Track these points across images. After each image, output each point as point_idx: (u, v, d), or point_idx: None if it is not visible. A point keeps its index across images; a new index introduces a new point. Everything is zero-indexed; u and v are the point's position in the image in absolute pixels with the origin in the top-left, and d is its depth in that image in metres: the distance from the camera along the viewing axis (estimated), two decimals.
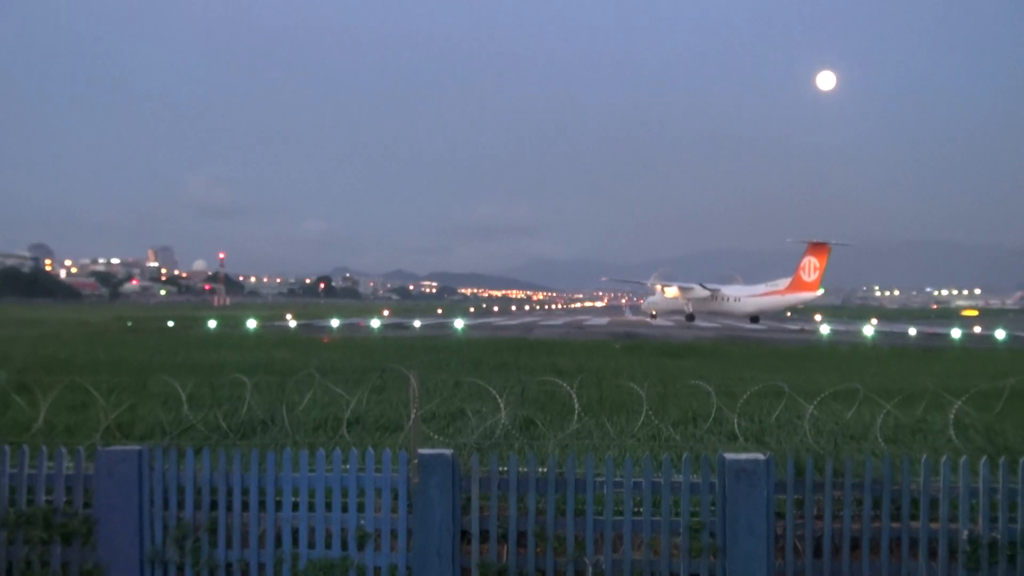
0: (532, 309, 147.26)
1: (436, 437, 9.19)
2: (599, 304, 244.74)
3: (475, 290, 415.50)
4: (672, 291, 69.38)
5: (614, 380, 15.71)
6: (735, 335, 41.07)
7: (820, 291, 61.71)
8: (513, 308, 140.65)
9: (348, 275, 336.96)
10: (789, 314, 79.43)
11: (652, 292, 72.93)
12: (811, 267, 62.44)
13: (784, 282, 64.37)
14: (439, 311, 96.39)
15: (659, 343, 31.23)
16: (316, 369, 14.25)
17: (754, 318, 66.50)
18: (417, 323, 51.64)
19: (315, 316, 68.60)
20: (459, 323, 49.02)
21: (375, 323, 49.37)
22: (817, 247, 62.45)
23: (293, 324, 48.22)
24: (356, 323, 52.72)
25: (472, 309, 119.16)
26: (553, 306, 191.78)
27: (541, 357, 22.68)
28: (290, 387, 12.64)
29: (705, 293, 67.49)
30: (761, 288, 66.84)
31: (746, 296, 66.59)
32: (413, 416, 7.46)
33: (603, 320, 70.28)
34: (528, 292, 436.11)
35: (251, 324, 44.09)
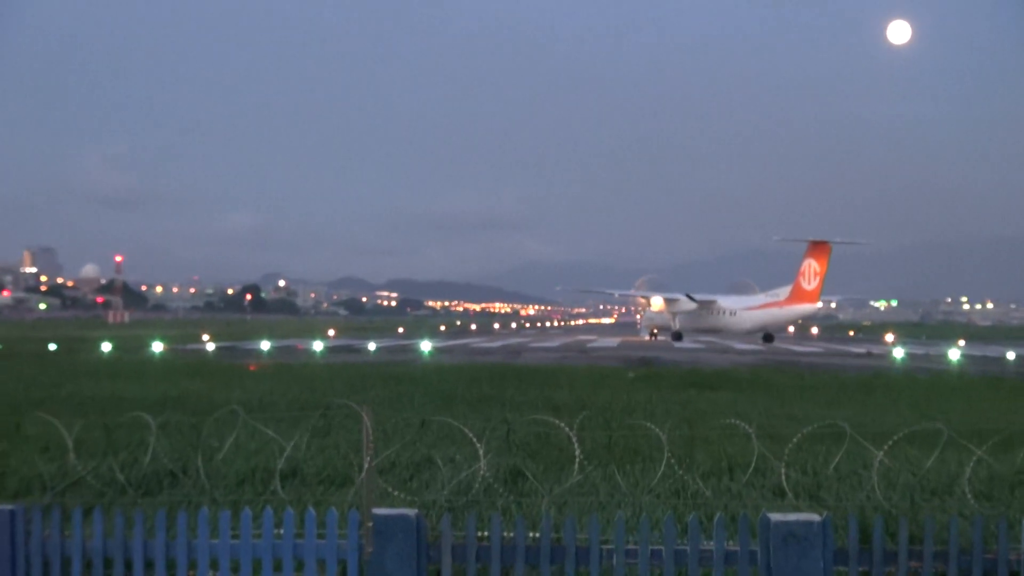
0: (520, 327, 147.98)
1: (396, 493, 9.22)
2: (607, 320, 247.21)
3: (447, 303, 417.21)
4: (658, 303, 73.82)
5: (626, 419, 15.79)
6: (781, 360, 41.57)
7: (819, 303, 65.71)
8: (496, 326, 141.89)
9: (283, 283, 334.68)
10: (793, 329, 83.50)
11: (635, 303, 77.54)
12: (811, 272, 65.59)
13: (785, 291, 67.66)
14: (401, 330, 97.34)
15: (684, 371, 31.36)
16: (241, 405, 14.34)
17: (767, 336, 69.45)
18: (372, 345, 51.95)
19: (240, 337, 69.09)
20: (426, 345, 49.39)
21: (318, 345, 49.71)
22: (817, 247, 64.90)
23: (211, 347, 48.75)
24: (293, 346, 53.20)
25: (443, 327, 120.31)
26: (548, 323, 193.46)
27: (532, 389, 22.75)
28: (207, 429, 12.61)
29: (691, 306, 71.61)
30: (760, 299, 70.26)
31: (743, 309, 70.06)
32: (366, 466, 7.47)
33: (612, 341, 71.53)
34: (515, 305, 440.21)
35: (156, 347, 44.57)
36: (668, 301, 73.23)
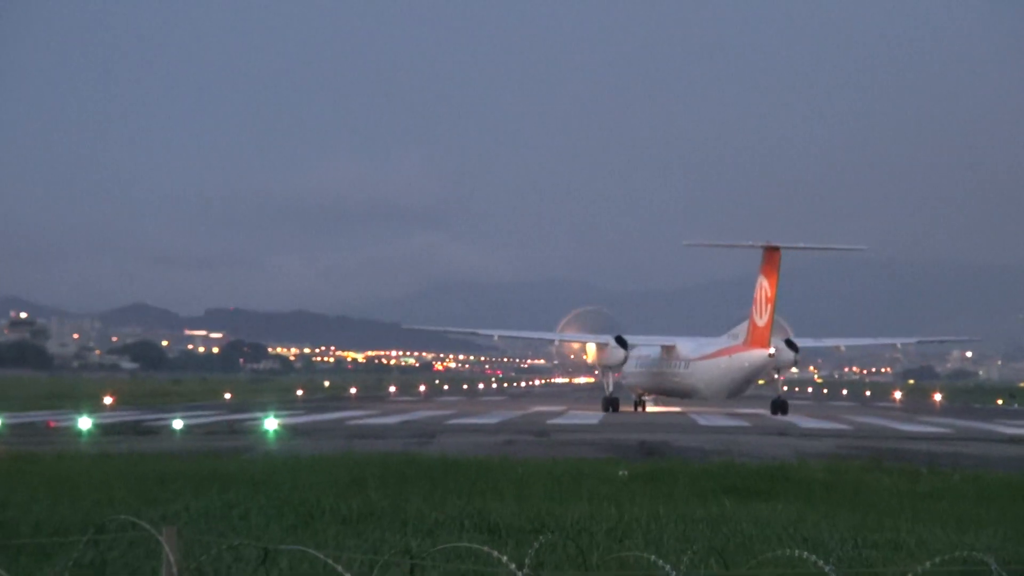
0: (435, 389, 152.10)
1: None
2: (583, 379, 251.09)
3: (308, 349, 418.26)
4: (592, 351, 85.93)
5: (616, 549, 16.24)
6: (879, 448, 42.56)
7: (770, 350, 76.90)
8: (393, 388, 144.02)
9: (25, 315, 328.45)
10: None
11: (563, 352, 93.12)
12: (762, 298, 76.86)
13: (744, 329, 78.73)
14: (228, 395, 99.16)
15: (713, 465, 31.74)
16: None
17: (778, 405, 79.63)
18: (178, 423, 52.51)
19: None
20: (272, 423, 50.18)
21: (84, 423, 50.04)
22: (768, 258, 76.77)
23: None
24: (40, 422, 54.32)
25: (302, 391, 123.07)
26: (484, 384, 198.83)
27: (453, 499, 23.19)
28: None
29: (618, 355, 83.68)
30: (721, 342, 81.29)
31: (697, 359, 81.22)
32: None
33: (588, 414, 75.71)
34: (426, 353, 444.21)
35: None
36: (599, 348, 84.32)
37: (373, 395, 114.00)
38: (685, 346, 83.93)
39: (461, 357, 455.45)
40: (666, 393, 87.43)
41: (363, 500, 22.31)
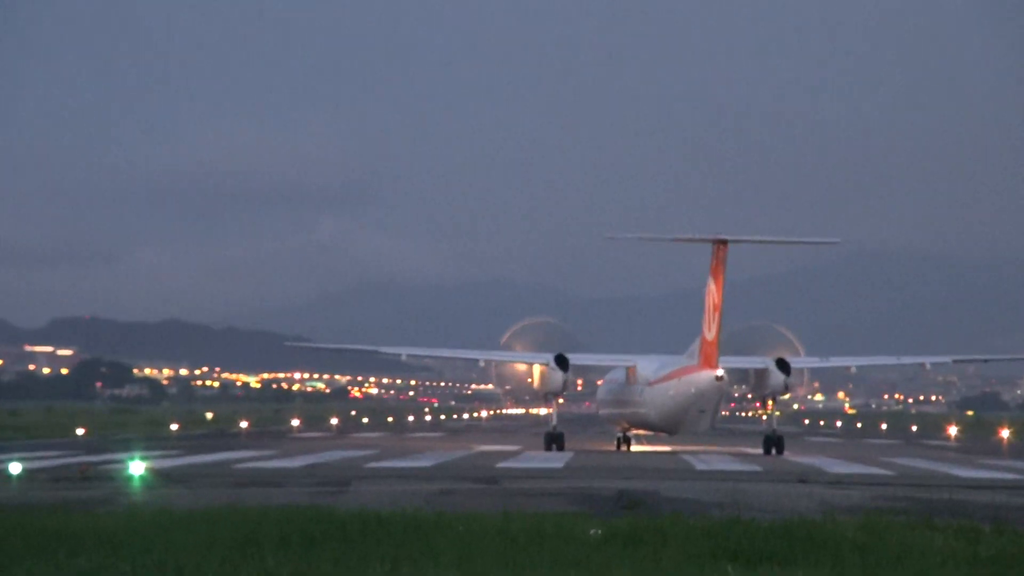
0: (350, 422, 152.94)
1: None
2: (544, 410, 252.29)
3: (184, 370, 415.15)
4: (536, 371, 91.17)
5: None
6: (925, 500, 42.65)
7: (719, 371, 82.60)
8: (295, 421, 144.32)
9: None
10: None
11: (503, 376, 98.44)
12: (710, 307, 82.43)
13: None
14: (81, 431, 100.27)
15: (712, 524, 31.31)
16: None
17: (772, 441, 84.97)
18: (16, 466, 52.00)
19: None
20: (138, 467, 49.87)
21: None
22: (715, 253, 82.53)
23: None
24: None
25: (177, 425, 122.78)
26: (415, 416, 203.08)
27: (374, 564, 23.25)
28: None
29: (557, 378, 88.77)
30: (680, 362, 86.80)
31: (654, 382, 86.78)
32: None
33: (550, 457, 75.71)
34: (340, 376, 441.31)
35: None
36: (539, 370, 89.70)
37: (270, 431, 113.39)
38: (645, 367, 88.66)
39: (386, 381, 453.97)
40: (632, 426, 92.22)
41: (257, 568, 22.16)
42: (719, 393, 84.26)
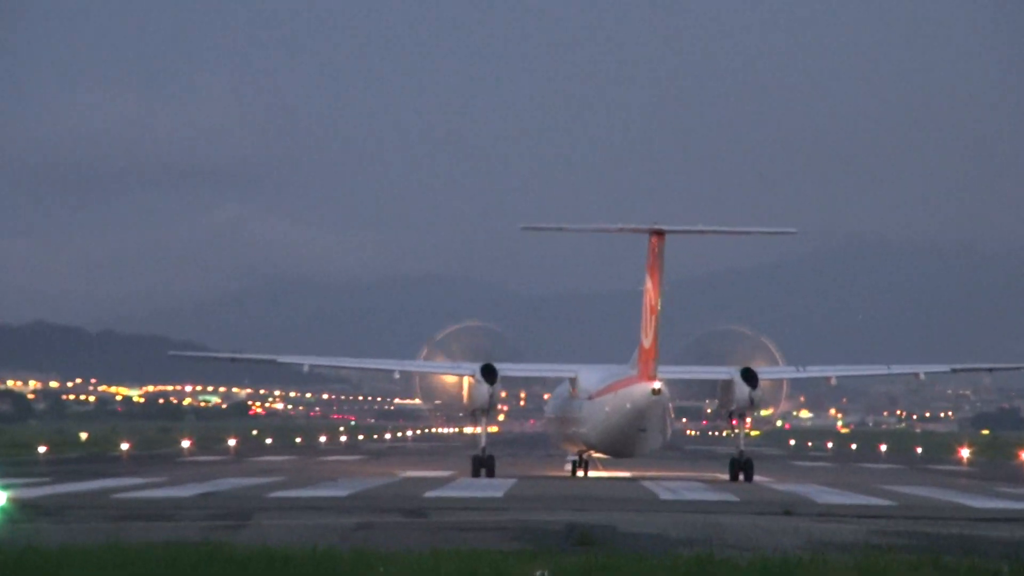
0: (252, 442, 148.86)
1: None
2: (492, 424, 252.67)
3: (56, 382, 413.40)
4: (465, 382, 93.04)
5: None
6: (937, 534, 42.98)
7: (655, 384, 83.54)
8: (185, 443, 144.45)
9: None
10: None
11: (426, 389, 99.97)
12: (647, 308, 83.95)
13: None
14: None
15: (678, 562, 31.81)
16: None
17: (739, 465, 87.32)
18: None
19: None
20: None
21: None
22: (653, 246, 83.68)
23: None
24: None
25: (45, 447, 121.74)
26: (328, 436, 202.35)
27: None
28: None
29: (482, 392, 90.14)
30: (622, 372, 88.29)
31: (594, 395, 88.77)
32: None
33: (489, 485, 76.15)
34: (242, 389, 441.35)
35: None
36: (467, 383, 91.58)
37: (156, 453, 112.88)
38: (587, 378, 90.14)
39: (293, 395, 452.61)
40: (576, 447, 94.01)
41: None
42: (661, 409, 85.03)
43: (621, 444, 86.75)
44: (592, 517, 47.39)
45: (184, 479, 72.24)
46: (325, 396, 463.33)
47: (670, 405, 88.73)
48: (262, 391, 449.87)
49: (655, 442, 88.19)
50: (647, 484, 75.83)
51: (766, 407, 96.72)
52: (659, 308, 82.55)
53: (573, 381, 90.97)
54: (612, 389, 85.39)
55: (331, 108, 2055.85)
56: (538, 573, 29.03)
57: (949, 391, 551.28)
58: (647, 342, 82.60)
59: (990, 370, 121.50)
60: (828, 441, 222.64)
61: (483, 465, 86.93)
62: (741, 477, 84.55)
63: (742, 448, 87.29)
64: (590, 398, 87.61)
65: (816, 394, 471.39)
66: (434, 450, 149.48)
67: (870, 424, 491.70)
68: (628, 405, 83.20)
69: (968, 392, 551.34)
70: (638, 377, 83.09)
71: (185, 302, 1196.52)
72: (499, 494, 65.24)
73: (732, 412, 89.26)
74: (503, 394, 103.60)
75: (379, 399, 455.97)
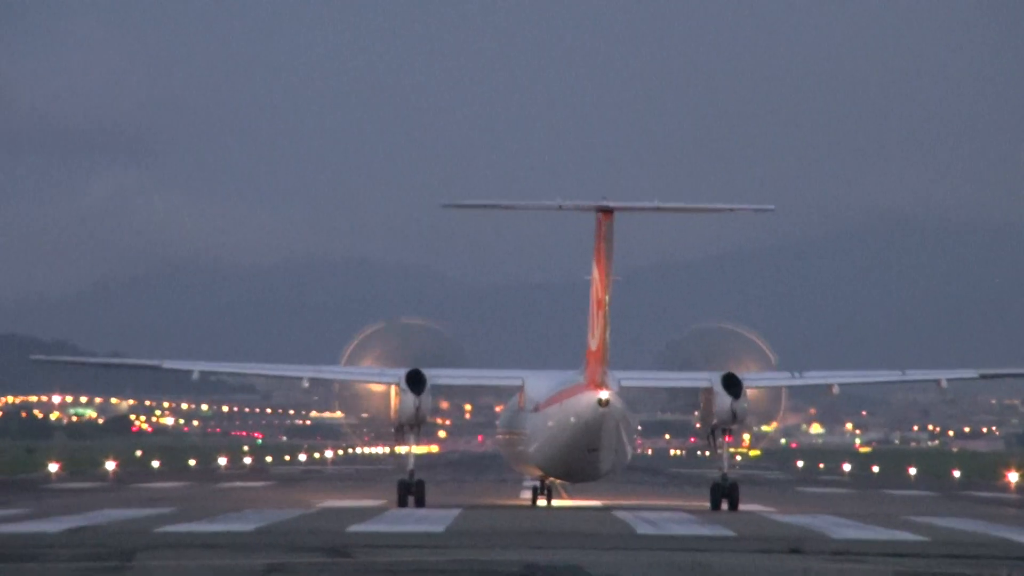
0: (136, 464, 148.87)
1: None
2: (423, 442, 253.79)
3: None
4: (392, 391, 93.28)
5: None
6: None
7: (604, 394, 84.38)
8: (53, 466, 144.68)
9: None
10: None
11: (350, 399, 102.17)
12: (593, 301, 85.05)
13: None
14: None
15: None
16: None
17: (722, 491, 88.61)
18: None
19: None
20: None
21: None
22: (600, 226, 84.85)
23: None
24: None
25: None
26: (230, 458, 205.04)
27: None
28: None
29: (408, 403, 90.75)
30: (570, 379, 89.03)
31: (541, 406, 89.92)
32: None
33: (427, 517, 76.30)
34: (122, 400, 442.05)
35: None
36: (394, 394, 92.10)
37: (18, 479, 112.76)
38: (534, 386, 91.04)
39: (186, 407, 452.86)
40: (530, 469, 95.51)
41: None
42: (613, 423, 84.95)
43: (568, 466, 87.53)
44: (555, 556, 47.44)
45: (52, 510, 72.08)
46: (225, 409, 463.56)
47: (630, 418, 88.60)
48: (147, 403, 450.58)
49: (608, 463, 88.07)
50: (622, 515, 75.80)
51: (765, 421, 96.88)
52: (607, 301, 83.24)
53: (520, 390, 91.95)
54: (557, 400, 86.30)
55: (235, 62, 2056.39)
56: None
57: (993, 400, 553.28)
58: (593, 343, 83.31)
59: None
60: (844, 462, 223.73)
61: (410, 491, 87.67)
62: (725, 505, 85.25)
63: (725, 470, 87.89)
64: (535, 410, 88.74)
65: (829, 406, 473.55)
66: (359, 474, 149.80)
67: (896, 441, 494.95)
68: (572, 419, 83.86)
69: (1017, 402, 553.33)
70: (584, 385, 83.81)
71: (53, 295, 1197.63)
72: (440, 528, 65.20)
73: (714, 427, 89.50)
74: (444, 405, 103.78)
75: (291, 412, 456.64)
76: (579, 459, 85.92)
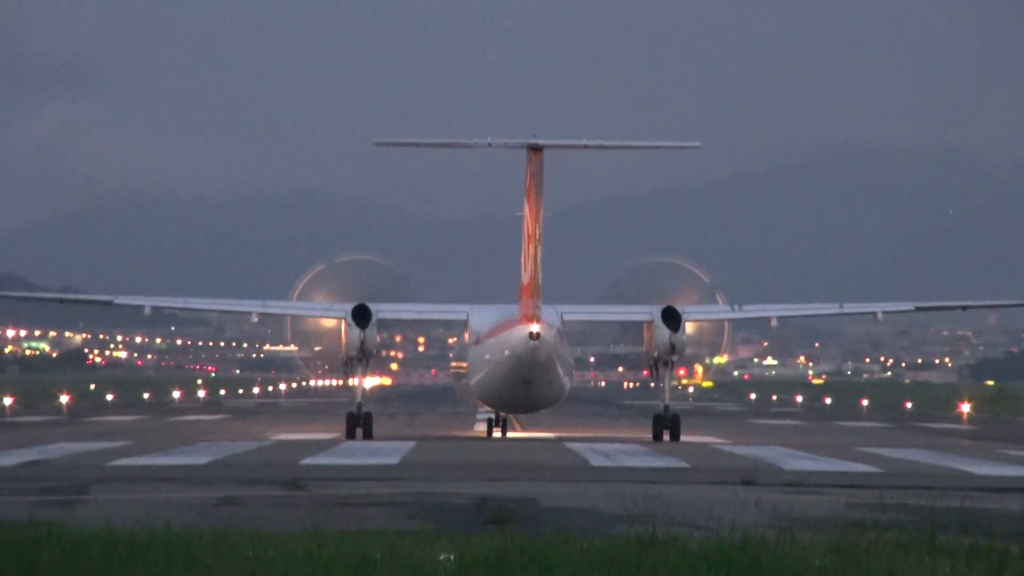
0: (89, 397, 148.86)
1: None
2: (372, 374, 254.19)
3: None
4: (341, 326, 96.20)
5: None
6: (931, 507, 43.79)
7: (534, 326, 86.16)
8: (6, 400, 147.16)
9: None
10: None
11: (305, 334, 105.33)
12: (524, 237, 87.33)
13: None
14: None
15: (614, 542, 31.51)
16: None
17: (663, 422, 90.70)
18: None
19: None
20: None
21: None
22: (531, 163, 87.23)
23: None
24: None
25: None
26: (183, 391, 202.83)
27: None
28: None
29: (354, 336, 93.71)
30: (511, 312, 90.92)
31: (482, 339, 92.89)
32: None
33: (382, 449, 76.62)
34: (75, 333, 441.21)
35: None
36: (343, 328, 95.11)
37: None
38: (478, 319, 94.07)
39: (139, 340, 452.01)
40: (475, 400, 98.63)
41: None
42: (545, 355, 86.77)
43: (504, 397, 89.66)
44: (509, 489, 47.60)
45: (6, 444, 71.93)
46: (179, 342, 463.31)
47: (565, 352, 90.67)
48: (101, 336, 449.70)
49: (543, 396, 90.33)
50: (576, 447, 76.21)
51: (712, 353, 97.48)
52: (539, 236, 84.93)
53: (465, 324, 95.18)
54: (495, 333, 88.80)
55: None
56: (443, 558, 28.69)
57: (945, 332, 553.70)
58: (526, 277, 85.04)
59: (963, 308, 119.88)
60: (797, 394, 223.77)
61: (358, 423, 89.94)
62: (666, 436, 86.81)
63: (667, 402, 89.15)
64: (477, 343, 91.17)
65: (781, 338, 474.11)
66: (313, 407, 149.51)
67: (848, 373, 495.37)
68: (506, 352, 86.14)
69: (969, 333, 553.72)
70: (518, 320, 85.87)
71: (3, 229, 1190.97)
72: (394, 460, 65.56)
73: (656, 359, 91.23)
74: (398, 339, 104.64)
75: (245, 345, 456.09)
76: (514, 391, 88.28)
